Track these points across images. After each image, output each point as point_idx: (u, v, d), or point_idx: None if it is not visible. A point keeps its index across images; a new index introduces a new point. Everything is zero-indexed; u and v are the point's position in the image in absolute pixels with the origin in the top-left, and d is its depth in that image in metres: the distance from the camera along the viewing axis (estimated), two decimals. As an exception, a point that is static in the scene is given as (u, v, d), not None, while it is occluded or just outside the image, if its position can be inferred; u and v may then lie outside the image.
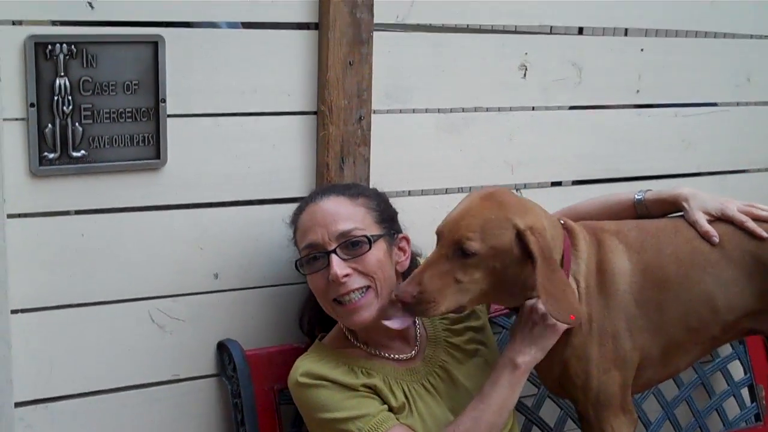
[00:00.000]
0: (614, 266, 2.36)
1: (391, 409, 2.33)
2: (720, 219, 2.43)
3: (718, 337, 2.47)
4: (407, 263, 2.45)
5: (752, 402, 3.24)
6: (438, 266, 2.23)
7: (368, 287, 2.33)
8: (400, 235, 2.45)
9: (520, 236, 2.20)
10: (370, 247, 2.33)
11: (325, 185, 2.56)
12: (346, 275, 2.30)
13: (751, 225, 2.40)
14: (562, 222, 2.38)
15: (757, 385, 3.23)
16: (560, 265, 2.29)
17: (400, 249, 2.44)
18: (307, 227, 2.37)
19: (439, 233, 2.27)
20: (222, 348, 2.56)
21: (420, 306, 2.22)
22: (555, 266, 2.21)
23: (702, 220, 2.41)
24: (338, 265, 2.30)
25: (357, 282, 2.32)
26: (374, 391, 2.33)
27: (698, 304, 2.39)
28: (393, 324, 2.30)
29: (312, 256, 2.35)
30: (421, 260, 2.42)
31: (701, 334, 2.43)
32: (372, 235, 2.34)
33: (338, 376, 2.32)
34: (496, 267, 2.23)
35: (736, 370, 3.25)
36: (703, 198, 2.46)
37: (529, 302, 2.29)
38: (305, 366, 2.36)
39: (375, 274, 2.33)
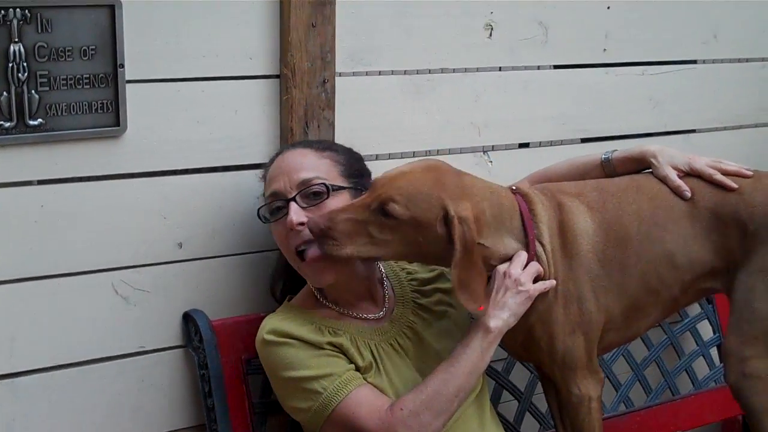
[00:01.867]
0: (576, 227, 2.34)
1: (358, 369, 2.31)
2: (688, 174, 2.43)
3: (677, 298, 2.48)
4: None
5: (721, 362, 3.24)
6: (358, 212, 2.22)
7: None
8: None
9: (446, 220, 2.18)
10: (327, 196, 2.31)
11: (297, 140, 2.53)
12: (302, 223, 2.28)
13: (720, 177, 2.41)
14: (513, 188, 2.36)
15: (725, 344, 3.24)
16: (524, 233, 2.29)
17: None
18: (272, 176, 2.37)
19: (373, 183, 2.27)
20: (188, 318, 2.52)
21: (323, 240, 2.22)
22: (475, 257, 2.20)
23: (672, 175, 2.41)
24: (295, 213, 2.29)
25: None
26: (341, 350, 2.31)
27: (659, 262, 2.39)
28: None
29: (275, 206, 2.35)
30: None
31: (662, 295, 2.43)
32: (332, 185, 2.32)
33: (305, 333, 2.30)
34: (416, 238, 2.22)
35: (705, 329, 3.26)
36: (671, 153, 2.47)
37: (502, 267, 2.27)
38: (272, 324, 2.34)
39: None
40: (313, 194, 2.31)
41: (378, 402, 2.26)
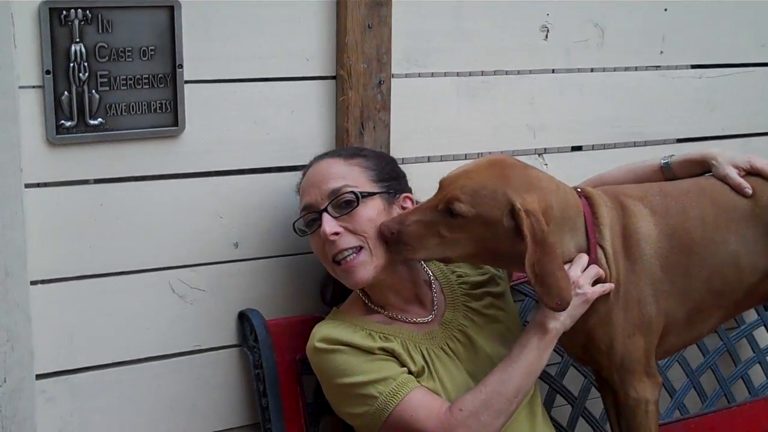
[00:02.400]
0: (640, 231, 2.32)
1: (410, 373, 2.30)
2: (749, 173, 2.40)
3: (740, 301, 2.45)
4: None
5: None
6: (426, 214, 2.22)
7: (360, 247, 2.30)
8: (402, 195, 2.41)
9: (513, 214, 2.16)
10: (357, 203, 2.30)
11: (326, 150, 2.52)
12: (336, 233, 2.29)
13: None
14: (579, 190, 2.34)
15: (783, 351, 3.20)
16: (585, 234, 2.27)
17: (403, 209, 2.40)
18: (304, 189, 2.38)
19: (440, 183, 2.26)
20: (243, 318, 2.53)
21: (396, 246, 2.23)
22: (548, 249, 2.16)
23: (733, 173, 2.39)
24: (328, 223, 2.29)
25: (347, 241, 2.30)
26: (392, 354, 2.31)
27: (723, 265, 2.37)
28: None
29: (309, 219, 2.35)
30: None
31: (725, 298, 2.40)
32: (361, 192, 2.31)
33: (356, 340, 2.30)
34: (486, 236, 2.20)
35: (762, 337, 3.21)
36: (731, 154, 2.45)
37: None
38: (322, 332, 2.34)
39: (365, 233, 2.31)
40: (344, 203, 2.31)
41: (435, 404, 2.25)
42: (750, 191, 2.37)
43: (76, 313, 2.36)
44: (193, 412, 2.53)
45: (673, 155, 2.53)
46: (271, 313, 2.54)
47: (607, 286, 2.27)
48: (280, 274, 2.58)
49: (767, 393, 3.19)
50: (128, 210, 2.38)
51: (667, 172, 2.50)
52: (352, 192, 2.31)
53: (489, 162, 2.26)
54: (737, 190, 2.38)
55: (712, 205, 2.38)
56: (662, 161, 2.52)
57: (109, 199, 2.35)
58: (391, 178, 2.41)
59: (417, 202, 2.40)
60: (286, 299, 2.59)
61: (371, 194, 2.33)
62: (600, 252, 2.29)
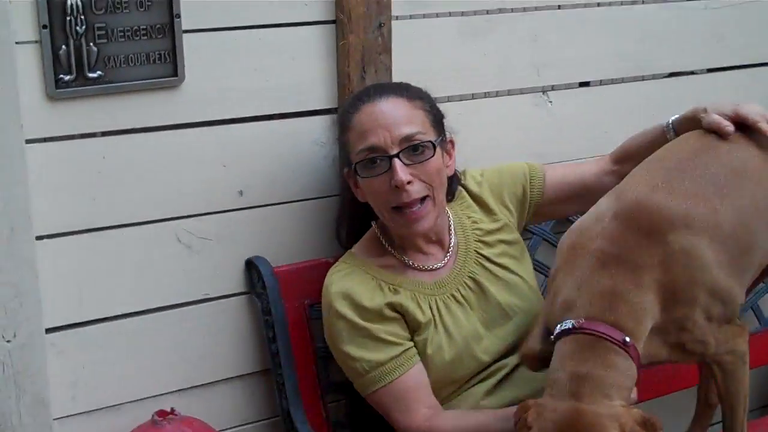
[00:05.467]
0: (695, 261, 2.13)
1: (418, 324, 2.33)
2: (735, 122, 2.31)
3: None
4: (453, 167, 2.43)
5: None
6: None
7: (426, 197, 2.29)
8: (448, 138, 2.40)
9: None
10: (434, 153, 2.29)
11: (376, 85, 2.47)
12: (409, 182, 2.26)
13: (763, 126, 2.28)
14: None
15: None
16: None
17: (447, 153, 2.40)
18: (367, 128, 2.30)
19: None
20: (250, 265, 2.54)
21: None
22: None
23: (716, 117, 2.30)
24: (402, 171, 2.25)
25: (418, 191, 2.28)
26: (399, 310, 2.32)
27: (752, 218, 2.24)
28: None
29: (371, 159, 2.29)
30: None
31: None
32: (435, 141, 2.30)
33: (365, 298, 2.31)
34: None
35: None
36: (719, 104, 2.36)
37: None
38: (336, 284, 2.35)
39: (433, 182, 2.30)
40: (418, 151, 2.28)
41: (418, 403, 2.30)
42: (731, 129, 2.28)
43: (83, 266, 2.37)
44: (204, 360, 2.55)
45: (674, 118, 2.47)
46: (278, 260, 2.55)
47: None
48: (285, 221, 2.58)
49: (778, 323, 3.19)
50: (131, 162, 2.38)
51: (670, 135, 2.45)
52: (430, 141, 2.29)
53: None
54: (719, 130, 2.29)
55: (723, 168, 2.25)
56: (665, 126, 2.47)
57: (111, 152, 2.35)
58: (440, 120, 2.39)
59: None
60: (293, 245, 2.60)
61: (439, 141, 2.32)
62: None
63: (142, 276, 2.44)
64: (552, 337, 2.09)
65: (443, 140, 2.37)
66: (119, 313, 2.43)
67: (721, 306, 2.15)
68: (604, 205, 2.21)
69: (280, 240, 2.58)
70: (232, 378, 2.59)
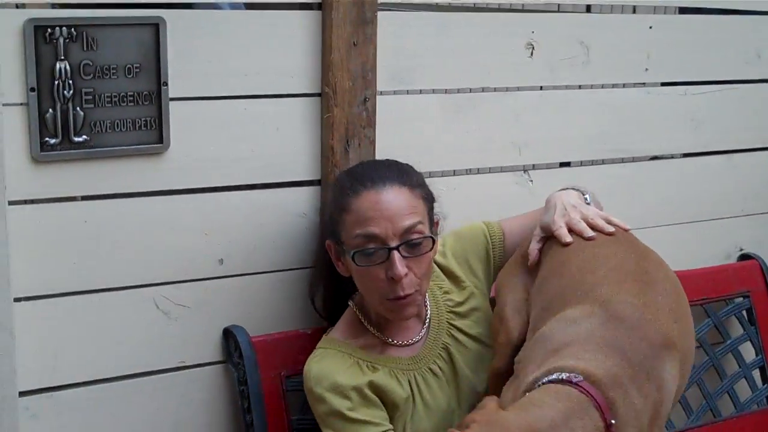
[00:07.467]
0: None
1: (398, 400, 2.32)
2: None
3: None
4: (437, 249, 2.42)
5: (764, 383, 3.22)
6: None
7: (416, 291, 2.31)
8: (435, 220, 2.41)
9: None
10: (431, 248, 2.30)
11: (376, 165, 2.43)
12: (405, 274, 2.26)
13: (561, 232, 2.33)
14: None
15: (768, 366, 3.19)
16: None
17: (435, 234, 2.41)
18: (369, 216, 2.27)
19: None
20: (228, 334, 2.53)
21: None
22: None
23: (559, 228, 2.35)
24: (401, 264, 2.25)
25: (411, 283, 2.28)
26: (378, 391, 2.31)
27: None
28: None
29: (372, 250, 2.28)
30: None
31: None
32: (432, 237, 2.30)
33: (344, 378, 2.28)
34: None
35: (748, 351, 3.22)
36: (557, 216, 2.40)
37: None
38: (314, 370, 2.32)
39: (425, 276, 2.32)
40: (417, 246, 2.28)
41: None
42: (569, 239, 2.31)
43: (60, 330, 2.35)
44: (178, 429, 2.52)
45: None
46: (256, 330, 2.54)
47: None
48: (264, 291, 2.58)
49: (753, 408, 3.20)
50: (112, 227, 2.38)
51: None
52: (431, 238, 2.29)
53: None
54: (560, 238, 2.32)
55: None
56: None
57: (93, 217, 2.36)
58: (433, 205, 2.39)
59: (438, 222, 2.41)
60: (271, 316, 2.59)
61: (436, 235, 2.33)
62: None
63: (119, 342, 2.43)
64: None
65: (436, 225, 2.38)
66: (94, 379, 2.41)
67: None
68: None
69: (258, 310, 2.58)
70: (205, 448, 2.57)
